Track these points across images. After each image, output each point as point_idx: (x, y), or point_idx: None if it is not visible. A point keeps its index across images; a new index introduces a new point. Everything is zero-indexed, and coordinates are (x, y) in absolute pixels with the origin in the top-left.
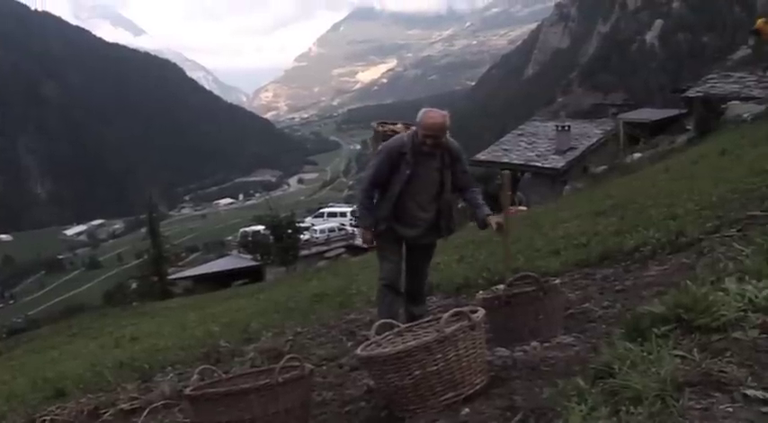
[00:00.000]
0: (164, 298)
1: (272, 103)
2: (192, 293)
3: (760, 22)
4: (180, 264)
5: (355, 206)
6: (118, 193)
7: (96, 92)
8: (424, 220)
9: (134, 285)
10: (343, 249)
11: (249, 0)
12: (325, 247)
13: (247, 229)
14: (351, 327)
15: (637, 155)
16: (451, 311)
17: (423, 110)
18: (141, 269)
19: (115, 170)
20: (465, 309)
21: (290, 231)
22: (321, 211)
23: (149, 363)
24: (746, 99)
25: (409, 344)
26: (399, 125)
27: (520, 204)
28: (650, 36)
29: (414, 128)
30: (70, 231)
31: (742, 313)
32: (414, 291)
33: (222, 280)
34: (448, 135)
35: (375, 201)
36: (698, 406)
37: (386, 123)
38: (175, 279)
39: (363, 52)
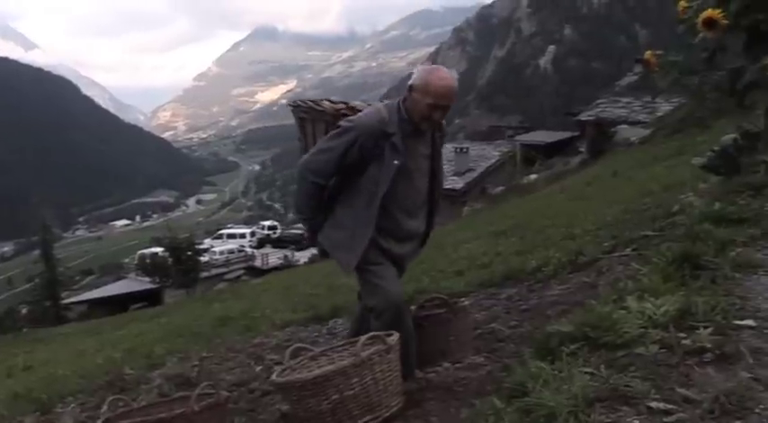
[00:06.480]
0: (58, 323)
1: (170, 123)
2: (88, 318)
3: (648, 54)
4: (74, 287)
5: (295, 204)
6: (8, 214)
7: None
8: (414, 234)
9: (25, 311)
10: (242, 271)
11: (148, 17)
12: (224, 269)
13: (145, 251)
14: (258, 351)
15: (533, 176)
16: (367, 335)
17: (422, 67)
18: (33, 293)
19: (5, 190)
20: (380, 332)
21: (189, 253)
22: (220, 232)
23: (47, 393)
24: (634, 123)
25: (326, 368)
26: (326, 103)
27: None
28: (544, 61)
29: (386, 100)
30: None
31: (643, 330)
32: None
33: (119, 304)
34: None
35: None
36: (608, 420)
37: (306, 102)
38: (70, 303)
39: (264, 73)
